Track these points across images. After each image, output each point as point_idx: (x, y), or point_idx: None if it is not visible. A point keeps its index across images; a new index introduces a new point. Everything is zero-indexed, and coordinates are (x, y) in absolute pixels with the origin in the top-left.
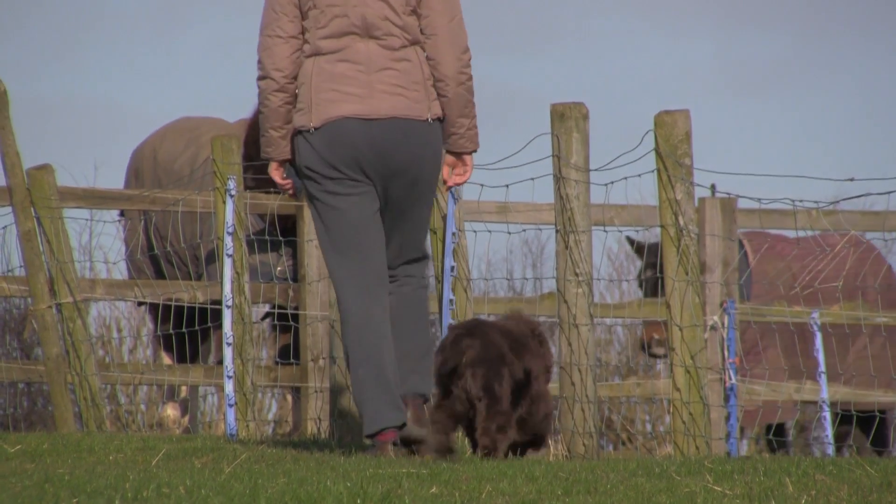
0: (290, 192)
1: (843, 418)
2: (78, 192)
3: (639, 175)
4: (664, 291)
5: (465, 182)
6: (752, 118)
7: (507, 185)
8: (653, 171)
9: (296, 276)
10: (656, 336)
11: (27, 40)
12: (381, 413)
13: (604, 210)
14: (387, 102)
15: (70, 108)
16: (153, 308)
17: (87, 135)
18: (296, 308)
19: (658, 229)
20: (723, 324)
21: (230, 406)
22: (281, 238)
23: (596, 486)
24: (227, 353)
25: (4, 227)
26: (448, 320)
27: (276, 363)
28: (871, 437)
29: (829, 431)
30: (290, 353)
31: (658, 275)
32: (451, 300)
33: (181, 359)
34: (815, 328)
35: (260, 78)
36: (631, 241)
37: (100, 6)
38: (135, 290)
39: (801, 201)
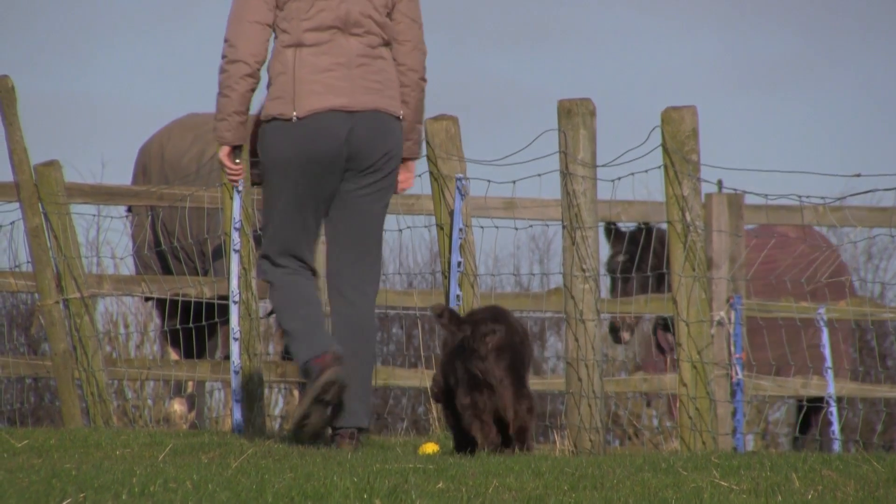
0: (239, 178)
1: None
2: (85, 188)
3: (646, 171)
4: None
5: (406, 189)
6: (758, 114)
7: (513, 181)
8: (660, 167)
9: None
10: (626, 321)
11: (35, 37)
12: (317, 340)
13: (611, 206)
14: (368, 96)
15: (78, 104)
16: (160, 303)
17: (95, 131)
18: None
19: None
20: (729, 319)
21: (237, 401)
22: None
23: (602, 482)
24: (234, 348)
25: (12, 223)
26: None
27: (284, 359)
28: (798, 426)
29: (836, 427)
30: None
31: (625, 258)
32: (458, 296)
33: (188, 354)
34: (822, 324)
35: (230, 62)
36: (608, 228)
37: (107, 2)
38: (142, 285)
39: (807, 197)
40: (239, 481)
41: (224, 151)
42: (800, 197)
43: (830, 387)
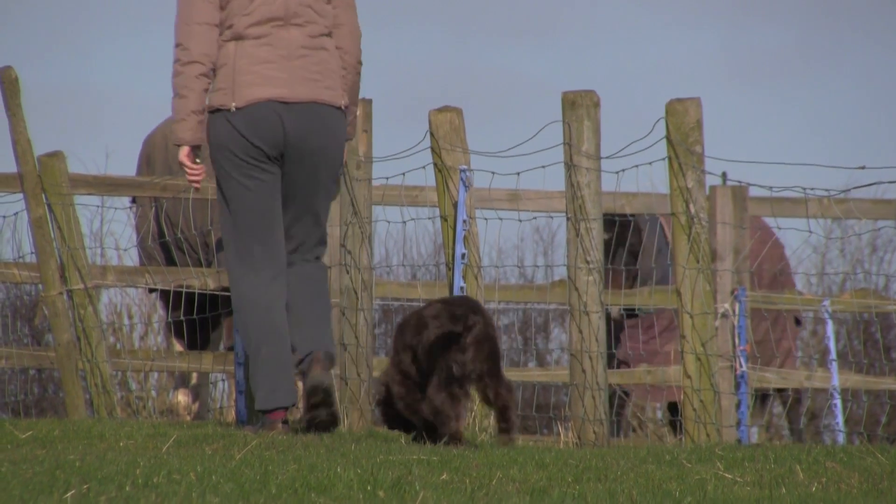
0: (199, 178)
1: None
2: (89, 179)
3: (650, 163)
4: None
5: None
6: (763, 106)
7: (518, 173)
8: (664, 159)
9: None
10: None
11: (39, 27)
12: (277, 392)
13: (615, 198)
14: (306, 87)
15: (81, 95)
16: (164, 295)
17: (99, 122)
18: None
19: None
20: (734, 311)
21: (240, 393)
22: None
23: (606, 474)
24: (238, 339)
25: (16, 214)
26: None
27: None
28: (765, 414)
29: (840, 419)
30: None
31: (606, 237)
32: (461, 287)
33: (192, 345)
34: (826, 316)
35: (184, 64)
36: None
37: None
38: (146, 276)
39: (812, 189)
40: (243, 473)
41: (184, 152)
42: (804, 189)
43: (835, 379)
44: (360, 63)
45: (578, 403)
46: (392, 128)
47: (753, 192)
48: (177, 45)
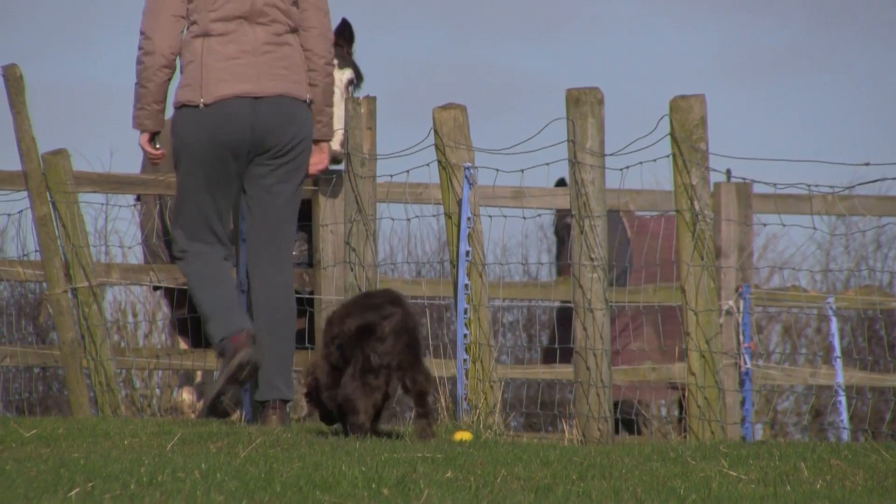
0: (160, 161)
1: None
2: (93, 177)
3: (654, 160)
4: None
5: (323, 170)
6: (767, 103)
7: (522, 170)
8: (668, 156)
9: (311, 260)
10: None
11: (43, 25)
12: (231, 319)
13: (619, 195)
14: (273, 82)
15: (86, 93)
16: (168, 292)
17: (103, 120)
18: (311, 293)
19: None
20: (738, 308)
21: (245, 391)
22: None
23: (611, 471)
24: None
25: (20, 212)
26: (463, 305)
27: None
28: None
29: (845, 416)
30: (305, 338)
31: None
32: (466, 285)
33: (196, 343)
34: (831, 313)
35: (146, 54)
36: (560, 183)
37: None
38: (150, 274)
39: (816, 186)
40: (247, 470)
41: (144, 138)
42: (808, 186)
43: (839, 376)
44: (330, 65)
45: (583, 401)
46: (396, 125)
47: (758, 188)
48: (141, 34)
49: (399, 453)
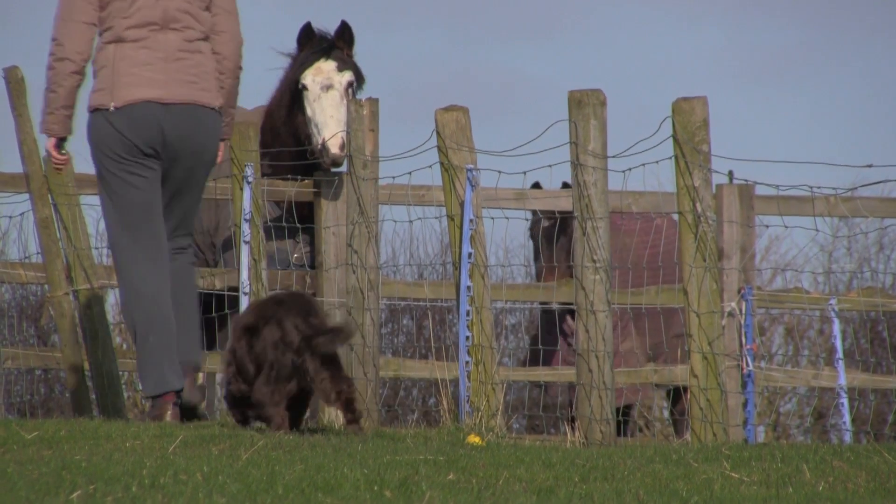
0: (65, 166)
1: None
2: (95, 179)
3: (656, 162)
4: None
5: (219, 164)
6: (769, 105)
7: (524, 172)
8: (670, 158)
9: (313, 263)
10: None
11: (44, 27)
12: (166, 377)
13: (621, 197)
14: (184, 89)
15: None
16: None
17: None
18: (313, 295)
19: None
20: (740, 310)
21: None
22: (298, 225)
23: (613, 473)
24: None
25: (22, 214)
26: (466, 307)
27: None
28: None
29: (847, 417)
30: None
31: (547, 224)
32: (468, 287)
33: None
34: (833, 314)
35: (57, 59)
36: (535, 186)
37: None
38: None
39: (819, 188)
40: (249, 473)
41: (51, 143)
42: (811, 188)
43: (842, 378)
44: (239, 68)
45: (585, 403)
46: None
47: (760, 190)
48: (53, 39)
49: (401, 456)
